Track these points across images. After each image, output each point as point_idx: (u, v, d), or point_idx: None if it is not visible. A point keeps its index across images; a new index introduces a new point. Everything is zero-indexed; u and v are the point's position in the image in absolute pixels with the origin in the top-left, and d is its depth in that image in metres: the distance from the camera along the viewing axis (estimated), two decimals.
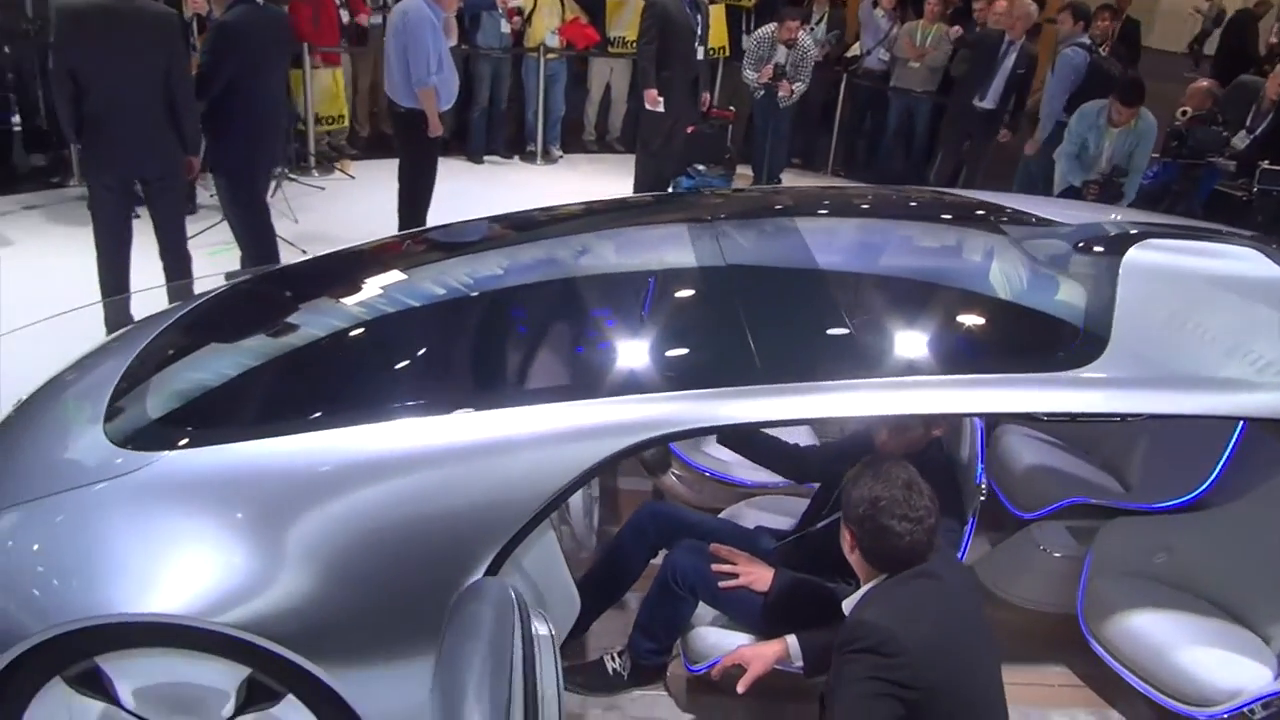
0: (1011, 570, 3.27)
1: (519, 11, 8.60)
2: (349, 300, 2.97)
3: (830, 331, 2.49)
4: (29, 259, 5.88)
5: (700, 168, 8.42)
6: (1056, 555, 3.18)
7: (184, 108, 4.46)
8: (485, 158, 8.85)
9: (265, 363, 2.70)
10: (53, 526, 2.16)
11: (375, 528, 2.10)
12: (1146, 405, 2.26)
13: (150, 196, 4.69)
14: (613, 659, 2.78)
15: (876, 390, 2.21)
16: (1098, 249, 2.69)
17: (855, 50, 9.40)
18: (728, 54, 9.34)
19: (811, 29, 8.77)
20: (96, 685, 2.12)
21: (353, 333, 2.81)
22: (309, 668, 2.07)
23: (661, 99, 6.65)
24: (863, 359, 2.35)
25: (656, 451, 3.54)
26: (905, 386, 2.21)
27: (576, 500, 2.61)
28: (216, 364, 2.75)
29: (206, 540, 2.10)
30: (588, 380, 2.41)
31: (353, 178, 8.01)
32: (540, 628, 1.62)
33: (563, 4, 8.78)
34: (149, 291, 4.52)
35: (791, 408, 2.21)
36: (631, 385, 2.27)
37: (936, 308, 2.56)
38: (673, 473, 3.57)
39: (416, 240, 3.72)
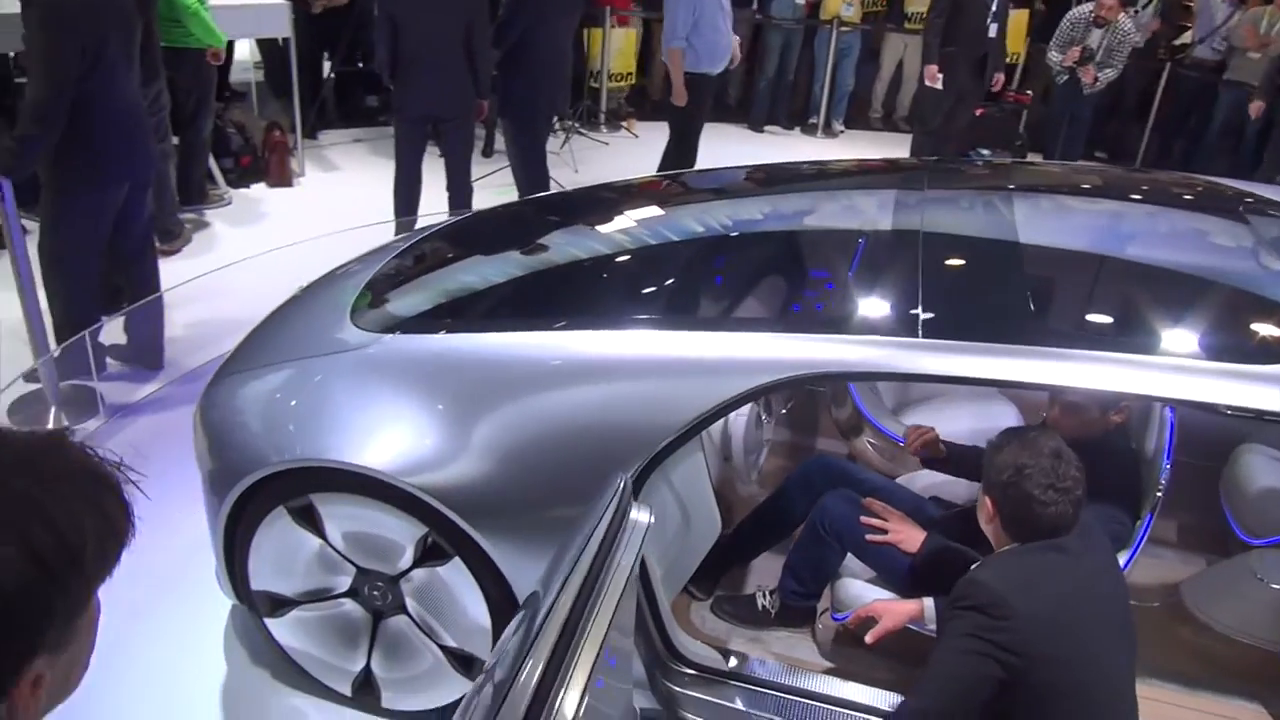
0: (1219, 594, 3.00)
1: None
2: (568, 226, 3.26)
3: (1011, 296, 2.42)
4: (348, 181, 6.86)
5: (984, 151, 8.06)
6: (1274, 587, 2.88)
7: (480, 56, 4.99)
8: (765, 127, 8.97)
9: (481, 272, 3.05)
10: (309, 383, 2.60)
11: (548, 425, 2.35)
12: None
13: (444, 134, 5.31)
14: (764, 596, 2.88)
15: (1044, 360, 2.13)
16: None
17: (1186, 38, 8.54)
18: (1022, 60, 8.87)
19: (1135, 12, 8.07)
20: (311, 520, 2.54)
21: (562, 253, 3.10)
22: (475, 536, 2.35)
23: (941, 75, 6.44)
24: (1042, 328, 2.28)
25: (851, 416, 3.57)
26: (1074, 360, 2.11)
27: (740, 435, 2.73)
28: (446, 270, 3.13)
29: (411, 411, 2.44)
30: (752, 315, 2.52)
31: (636, 136, 8.44)
32: (640, 516, 1.77)
33: None
34: (432, 216, 5.14)
35: (955, 366, 2.18)
36: (791, 324, 2.35)
37: (1136, 287, 2.40)
38: (866, 439, 3.57)
39: (649, 184, 3.96)
